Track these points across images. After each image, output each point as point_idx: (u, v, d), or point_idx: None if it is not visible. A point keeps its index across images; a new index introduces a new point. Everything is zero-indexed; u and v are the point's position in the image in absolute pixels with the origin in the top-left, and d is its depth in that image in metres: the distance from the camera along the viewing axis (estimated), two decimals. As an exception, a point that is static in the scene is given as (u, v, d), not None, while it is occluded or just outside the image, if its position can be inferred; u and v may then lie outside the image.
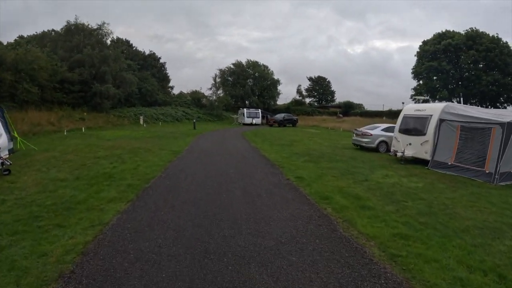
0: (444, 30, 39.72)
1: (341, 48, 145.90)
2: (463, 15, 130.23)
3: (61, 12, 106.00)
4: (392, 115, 46.92)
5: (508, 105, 35.81)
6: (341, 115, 53.14)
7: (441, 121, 12.01)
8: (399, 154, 12.80)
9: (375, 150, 15.87)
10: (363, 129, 16.55)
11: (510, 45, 35.80)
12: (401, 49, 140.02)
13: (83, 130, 24.52)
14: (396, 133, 13.92)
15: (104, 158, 11.98)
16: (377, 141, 15.86)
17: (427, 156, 12.27)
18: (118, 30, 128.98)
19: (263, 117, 45.59)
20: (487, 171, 10.42)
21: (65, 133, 21.59)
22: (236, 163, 11.23)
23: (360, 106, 66.85)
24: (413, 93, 43.02)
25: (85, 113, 29.39)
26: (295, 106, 61.01)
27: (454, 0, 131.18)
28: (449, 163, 11.61)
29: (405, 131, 13.48)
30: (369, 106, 66.51)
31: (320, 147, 17.30)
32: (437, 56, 39.09)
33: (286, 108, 58.20)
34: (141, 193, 7.03)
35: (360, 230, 5.27)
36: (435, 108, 12.64)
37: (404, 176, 10.11)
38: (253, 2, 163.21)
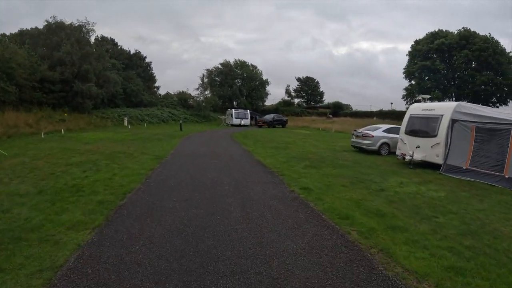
0: (437, 30, 39.40)
1: (325, 49, 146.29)
2: (444, 17, 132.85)
3: (46, 12, 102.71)
4: (383, 115, 46.50)
5: (501, 105, 35.69)
6: (330, 116, 52.35)
7: (453, 121, 10.95)
8: (407, 158, 11.66)
9: (377, 152, 14.75)
10: (364, 131, 15.39)
11: (501, 45, 35.74)
12: (384, 50, 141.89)
13: (63, 132, 22.61)
14: (402, 135, 12.79)
15: (77, 165, 10.40)
16: (378, 143, 14.73)
17: (439, 160, 11.18)
18: (102, 31, 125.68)
19: (251, 118, 44.33)
20: (506, 176, 9.47)
21: (42, 136, 19.73)
22: (229, 171, 9.78)
23: (347, 106, 66.43)
24: (404, 93, 42.52)
25: (65, 114, 27.61)
26: (284, 107, 59.91)
27: (434, 3, 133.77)
28: (464, 168, 10.57)
29: (412, 132, 12.36)
30: (356, 106, 66.37)
31: (317, 149, 16.06)
32: (429, 56, 38.62)
33: (275, 109, 57.07)
34: (113, 215, 5.53)
35: (404, 265, 3.99)
36: (446, 108, 11.57)
37: (420, 184, 8.98)
38: (235, 3, 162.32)
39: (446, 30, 39.01)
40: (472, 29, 37.48)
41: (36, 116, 24.54)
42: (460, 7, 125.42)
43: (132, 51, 46.40)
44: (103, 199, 6.45)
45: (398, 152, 12.84)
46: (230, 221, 5.22)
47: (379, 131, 14.98)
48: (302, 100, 70.59)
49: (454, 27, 40.21)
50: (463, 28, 37.39)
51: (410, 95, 41.19)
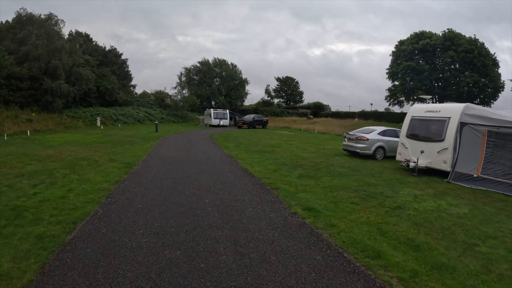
0: (421, 30, 39.22)
1: (300, 50, 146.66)
2: (417, 20, 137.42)
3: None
4: (365, 116, 46.16)
5: (484, 106, 35.78)
6: (311, 116, 51.55)
7: (462, 124, 9.87)
8: (412, 164, 10.48)
9: (371, 157, 13.57)
10: (358, 133, 14.14)
11: (487, 47, 36.01)
12: (359, 52, 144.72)
13: (28, 134, 20.13)
14: (403, 138, 11.64)
15: (29, 176, 8.48)
16: (374, 147, 13.55)
17: (447, 167, 10.08)
18: (77, 28, 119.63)
19: (230, 118, 42.60)
20: (522, 186, 8.49)
21: (5, 138, 17.28)
22: (212, 185, 8.10)
23: (327, 107, 66.02)
24: (387, 94, 42.16)
25: (33, 114, 25.16)
26: (263, 107, 58.54)
27: (406, 7, 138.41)
28: (475, 175, 9.53)
29: (415, 136, 11.22)
30: (333, 107, 66.24)
31: (307, 154, 14.69)
32: (413, 57, 38.41)
33: (254, 109, 55.61)
34: (52, 262, 3.81)
35: None
36: (452, 109, 10.49)
37: (436, 196, 7.81)
38: (211, 3, 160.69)
39: (429, 31, 38.92)
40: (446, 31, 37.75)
41: (1, 116, 22.22)
42: (432, 10, 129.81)
43: (108, 47, 43.50)
44: (45, 232, 4.71)
45: (399, 158, 11.69)
46: (221, 273, 3.59)
47: (374, 134, 13.80)
48: (282, 100, 69.47)
49: (428, 30, 39.91)
50: (447, 29, 37.43)
51: (393, 96, 40.90)
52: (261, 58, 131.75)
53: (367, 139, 13.52)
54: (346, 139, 14.61)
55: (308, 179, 8.93)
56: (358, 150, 13.71)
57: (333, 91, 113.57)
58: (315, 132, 32.59)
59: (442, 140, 10.25)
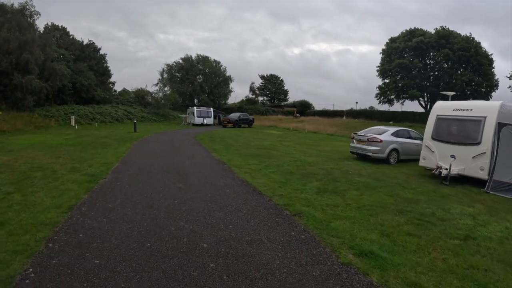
0: (413, 27, 38.41)
1: (278, 49, 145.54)
2: (392, 21, 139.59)
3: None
4: (354, 114, 45.12)
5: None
6: (298, 115, 50.33)
7: (500, 125, 8.32)
8: (444, 172, 8.82)
9: (385, 161, 11.93)
10: (369, 134, 12.42)
11: (483, 46, 35.58)
12: (337, 52, 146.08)
13: None
14: (428, 141, 9.99)
15: (-40, 196, 6.19)
16: (388, 150, 11.92)
17: (484, 175, 8.50)
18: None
19: (215, 116, 40.50)
20: None
21: None
22: (207, 211, 5.80)
23: (312, 106, 64.98)
24: (378, 92, 41.17)
25: (0, 113, 22.51)
26: (248, 105, 56.71)
27: (381, 8, 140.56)
28: (518, 184, 7.99)
29: (442, 138, 9.58)
30: (315, 106, 65.34)
31: (310, 158, 12.84)
32: (405, 55, 37.53)
33: (239, 107, 53.76)
34: None
35: None
36: (487, 108, 8.93)
37: (492, 215, 6.33)
38: (190, 3, 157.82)
39: (421, 29, 38.13)
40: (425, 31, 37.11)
41: (-34, 116, 19.78)
42: (406, 12, 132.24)
43: (86, 42, 40.13)
44: None
45: (423, 163, 10.06)
46: None
47: (387, 135, 12.12)
48: (266, 99, 67.84)
49: (403, 29, 39.32)
50: (440, 26, 36.66)
51: (384, 94, 39.92)
52: (240, 57, 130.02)
53: (381, 141, 11.84)
54: (354, 141, 12.88)
55: (331, 196, 6.99)
56: (370, 154, 12.01)
57: (313, 90, 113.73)
58: (305, 131, 31.02)
59: (478, 143, 8.65)
